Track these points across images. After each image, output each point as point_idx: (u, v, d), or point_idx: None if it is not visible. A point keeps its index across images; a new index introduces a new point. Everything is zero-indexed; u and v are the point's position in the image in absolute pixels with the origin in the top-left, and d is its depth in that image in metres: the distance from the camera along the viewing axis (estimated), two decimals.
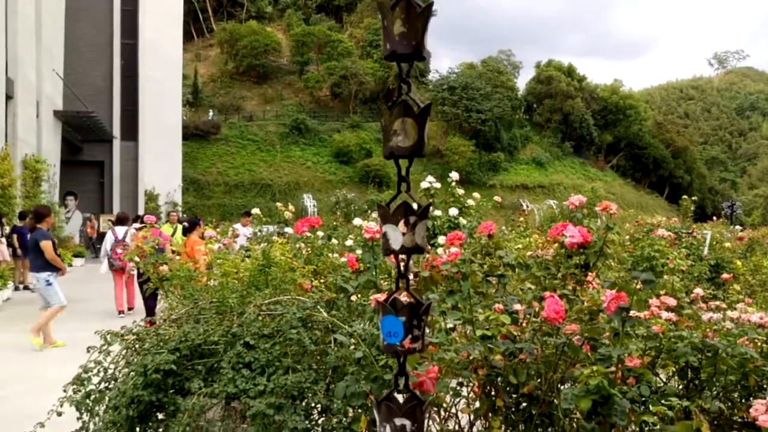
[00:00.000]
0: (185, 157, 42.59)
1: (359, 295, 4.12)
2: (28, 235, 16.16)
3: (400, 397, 0.98)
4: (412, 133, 0.99)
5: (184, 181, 40.41)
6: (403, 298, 0.97)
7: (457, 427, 4.11)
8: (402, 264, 1.00)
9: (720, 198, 74.40)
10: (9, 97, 19.42)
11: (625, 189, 63.63)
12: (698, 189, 66.62)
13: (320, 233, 6.11)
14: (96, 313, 11.48)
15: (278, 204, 5.17)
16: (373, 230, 3.67)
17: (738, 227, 18.33)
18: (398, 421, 0.95)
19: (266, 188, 47.09)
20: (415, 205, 0.98)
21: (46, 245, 8.84)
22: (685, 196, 11.90)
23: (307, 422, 3.13)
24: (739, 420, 4.17)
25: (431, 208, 6.62)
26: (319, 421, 3.29)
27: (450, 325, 3.51)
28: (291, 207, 5.05)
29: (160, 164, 33.98)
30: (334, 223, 7.58)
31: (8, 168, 17.77)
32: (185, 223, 10.57)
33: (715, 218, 19.16)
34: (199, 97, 57.99)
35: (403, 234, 0.96)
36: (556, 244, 4.08)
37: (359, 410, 3.07)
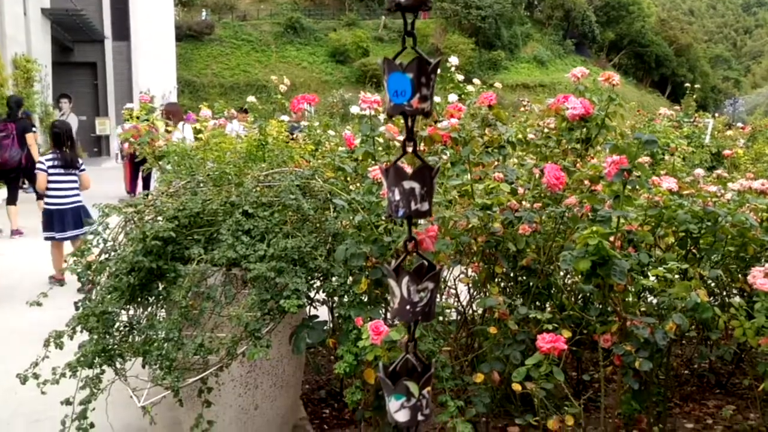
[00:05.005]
0: (179, 59, 41.68)
1: (358, 185, 4.08)
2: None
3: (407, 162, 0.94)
4: None
5: (179, 83, 39.69)
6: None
7: (456, 302, 4.17)
8: (409, 22, 0.93)
9: (723, 97, 73.50)
10: None
11: (627, 88, 62.66)
12: (701, 88, 65.61)
13: (316, 123, 6.04)
14: (108, 198, 11.72)
15: (273, 78, 5.03)
16: (370, 100, 3.58)
17: (740, 124, 18.17)
18: (407, 184, 0.92)
19: (262, 89, 46.36)
20: None
21: None
22: (687, 84, 11.70)
23: (308, 286, 3.15)
24: (736, 290, 4.23)
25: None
26: (321, 286, 3.33)
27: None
28: (286, 80, 4.91)
29: (154, 65, 33.27)
30: (332, 111, 7.47)
31: None
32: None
33: (717, 116, 18.96)
34: None
35: None
36: (558, 116, 4.00)
37: (359, 272, 3.09)
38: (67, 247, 6.93)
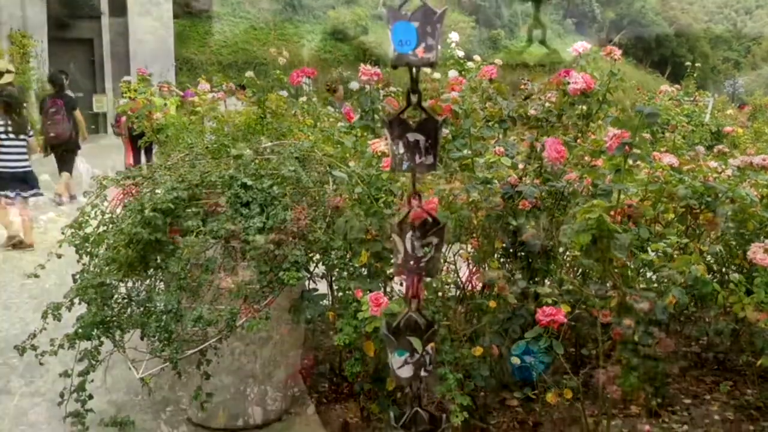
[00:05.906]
0: (177, 36, 41.32)
1: (357, 161, 4.05)
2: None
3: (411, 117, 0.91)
4: None
5: (177, 61, 39.39)
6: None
7: (456, 278, 4.16)
8: None
9: (722, 77, 73.18)
10: None
11: (627, 68, 62.20)
12: (701, 68, 65.14)
13: (315, 99, 5.99)
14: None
15: (272, 50, 4.97)
16: (370, 72, 3.55)
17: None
18: (411, 137, 0.89)
19: (260, 67, 46.05)
20: None
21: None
22: (688, 64, 11.62)
23: (307, 259, 3.14)
24: (735, 267, 4.22)
25: (430, 71, 6.45)
26: (320, 260, 3.31)
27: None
28: (285, 53, 4.85)
29: (152, 42, 32.95)
30: (330, 85, 7.45)
31: None
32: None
33: (716, 96, 18.87)
34: None
35: None
36: (559, 90, 3.96)
37: (359, 246, 3.08)
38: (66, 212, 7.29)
